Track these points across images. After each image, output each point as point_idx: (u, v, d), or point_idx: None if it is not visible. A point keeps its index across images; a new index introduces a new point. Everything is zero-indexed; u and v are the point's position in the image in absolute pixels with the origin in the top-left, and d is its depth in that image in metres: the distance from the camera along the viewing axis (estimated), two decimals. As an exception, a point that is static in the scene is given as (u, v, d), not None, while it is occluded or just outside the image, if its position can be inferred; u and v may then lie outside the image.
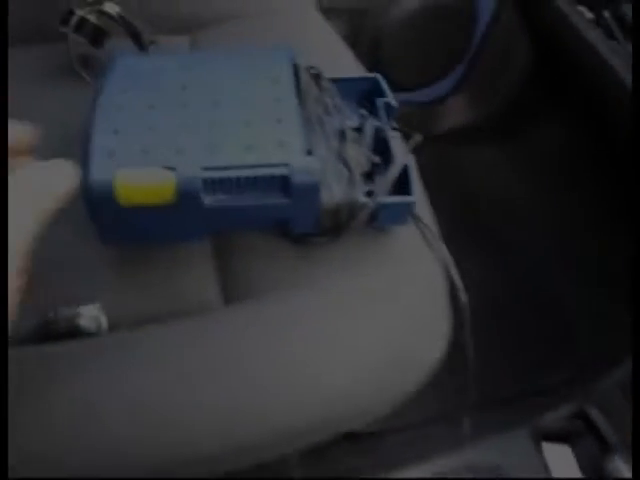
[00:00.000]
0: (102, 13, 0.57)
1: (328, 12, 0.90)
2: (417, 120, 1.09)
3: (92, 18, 0.56)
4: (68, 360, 0.38)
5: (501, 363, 0.86)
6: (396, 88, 0.49)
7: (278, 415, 0.38)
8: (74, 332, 0.40)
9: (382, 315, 0.43)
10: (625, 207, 0.91)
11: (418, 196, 0.43)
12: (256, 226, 0.43)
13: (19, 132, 0.34)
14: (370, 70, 0.61)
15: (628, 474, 0.66)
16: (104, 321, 0.41)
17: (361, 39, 0.98)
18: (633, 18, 0.82)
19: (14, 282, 0.29)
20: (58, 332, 0.40)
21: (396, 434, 0.74)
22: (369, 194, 0.42)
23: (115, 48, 0.57)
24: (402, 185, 0.43)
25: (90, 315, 0.41)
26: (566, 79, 1.01)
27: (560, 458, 0.72)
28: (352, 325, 0.42)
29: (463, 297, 0.48)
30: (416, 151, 0.48)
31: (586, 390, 0.76)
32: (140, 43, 0.55)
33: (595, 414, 0.73)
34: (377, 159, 0.43)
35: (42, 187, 0.31)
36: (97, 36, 0.57)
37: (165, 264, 0.44)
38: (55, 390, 0.37)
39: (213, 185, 0.37)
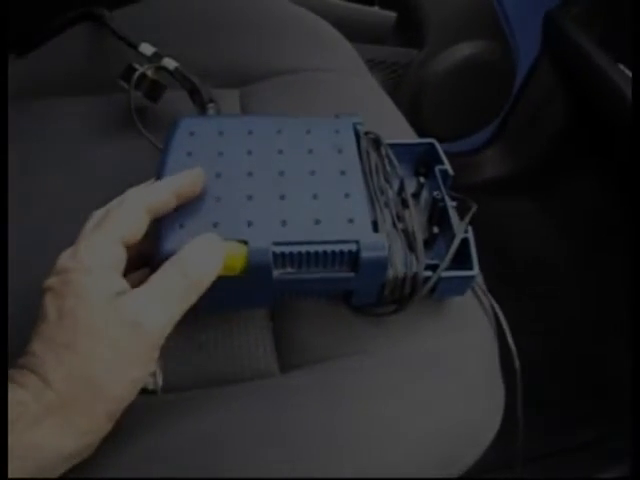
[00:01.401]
0: (160, 68, 0.58)
1: (371, 66, 0.92)
2: (453, 171, 1.08)
3: (150, 73, 0.58)
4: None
5: (546, 420, 0.84)
6: (435, 139, 0.49)
7: None
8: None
9: (439, 385, 0.43)
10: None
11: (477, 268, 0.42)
12: (319, 295, 0.43)
13: (192, 178, 0.38)
14: (410, 122, 0.62)
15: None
16: (161, 380, 0.41)
17: (401, 91, 1.00)
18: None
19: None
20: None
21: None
22: (430, 267, 0.42)
23: (169, 102, 0.59)
24: (461, 256, 0.43)
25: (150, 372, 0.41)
26: (602, 135, 1.01)
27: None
28: (408, 395, 0.41)
29: (517, 363, 0.48)
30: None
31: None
32: (199, 99, 0.55)
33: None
34: (436, 229, 0.44)
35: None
36: (154, 90, 0.58)
37: (222, 328, 0.44)
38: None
39: (283, 259, 0.37)
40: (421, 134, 0.49)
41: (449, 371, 0.43)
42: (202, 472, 0.37)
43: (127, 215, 0.35)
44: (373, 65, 0.95)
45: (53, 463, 0.30)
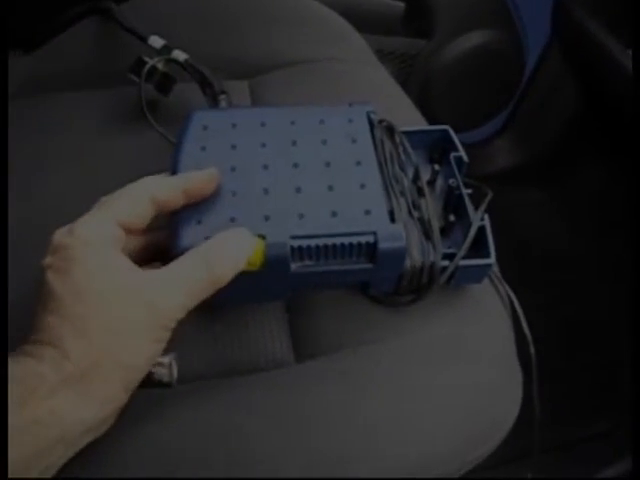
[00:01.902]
0: (170, 61, 0.58)
1: (380, 56, 0.92)
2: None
3: (161, 66, 0.57)
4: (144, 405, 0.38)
5: (559, 410, 0.84)
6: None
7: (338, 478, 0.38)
8: (149, 380, 0.40)
9: (457, 374, 0.42)
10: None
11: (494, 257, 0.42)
12: (337, 287, 0.43)
13: (205, 177, 0.37)
14: (420, 113, 0.61)
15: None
16: (175, 372, 0.41)
17: (411, 82, 0.99)
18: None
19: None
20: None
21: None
22: (447, 256, 0.41)
23: (180, 94, 0.59)
24: (477, 244, 0.42)
25: (165, 365, 0.40)
26: (613, 121, 1.00)
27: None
28: (425, 385, 0.41)
29: (532, 350, 0.47)
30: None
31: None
32: (211, 91, 0.55)
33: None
34: (453, 217, 0.43)
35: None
36: (165, 83, 0.58)
37: (238, 319, 0.44)
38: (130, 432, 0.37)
39: (300, 252, 0.37)
40: (431, 124, 0.48)
41: (467, 360, 0.43)
42: (221, 462, 0.37)
43: (129, 200, 0.35)
44: (382, 56, 0.94)
45: (75, 433, 0.31)
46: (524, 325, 0.47)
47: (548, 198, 1.10)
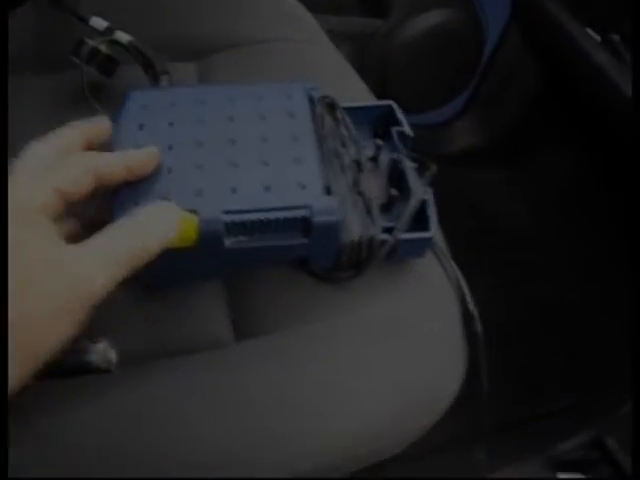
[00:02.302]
0: (113, 42, 0.57)
1: (332, 37, 0.91)
2: (424, 143, 1.09)
3: (103, 48, 0.56)
4: (79, 394, 0.38)
5: (514, 387, 0.85)
6: (403, 111, 0.48)
7: (283, 457, 0.38)
8: (84, 368, 0.39)
9: (398, 350, 0.42)
10: (633, 228, 0.91)
11: (435, 229, 0.42)
12: (275, 263, 0.43)
13: (97, 127, 0.38)
14: (377, 94, 0.61)
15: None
16: (114, 356, 0.40)
17: (367, 63, 0.98)
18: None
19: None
20: (68, 368, 0.39)
21: (410, 463, 0.73)
22: (388, 230, 0.41)
23: (124, 76, 0.57)
24: (419, 218, 0.42)
25: (100, 351, 0.40)
26: (573, 101, 1.01)
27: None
28: (366, 361, 0.41)
29: (478, 327, 0.47)
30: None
31: (602, 418, 0.75)
32: (153, 72, 0.54)
33: (611, 444, 0.72)
34: (395, 192, 0.43)
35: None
36: (108, 65, 0.57)
37: (175, 299, 0.43)
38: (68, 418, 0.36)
39: (234, 227, 0.36)
40: None
41: (407, 336, 0.43)
42: (161, 444, 0.36)
43: (70, 167, 0.34)
44: (335, 36, 0.92)
45: None
46: (469, 302, 0.47)
47: (510, 178, 1.10)
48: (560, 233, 1.02)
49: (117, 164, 0.36)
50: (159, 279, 0.41)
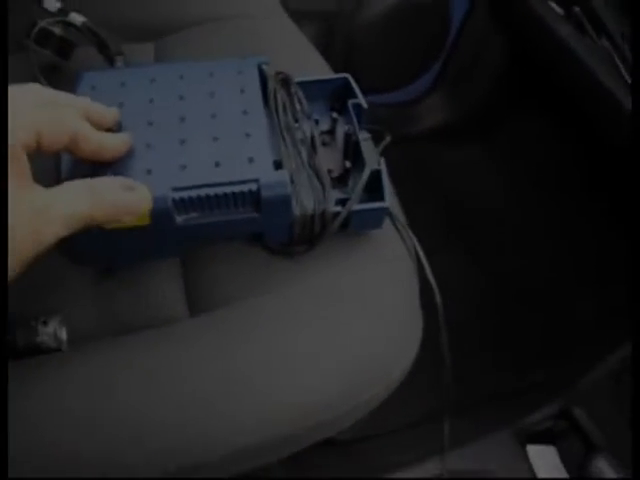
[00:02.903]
0: (67, 24, 0.56)
1: (298, 16, 0.90)
2: (395, 121, 1.09)
3: (57, 30, 0.55)
4: (28, 375, 0.38)
5: (483, 363, 0.86)
6: (372, 90, 0.48)
7: (229, 431, 0.38)
8: (34, 349, 0.40)
9: (351, 320, 0.43)
10: (603, 201, 0.92)
11: (391, 199, 0.42)
12: (230, 239, 0.43)
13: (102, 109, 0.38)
14: (345, 72, 0.61)
15: (610, 474, 0.66)
16: (64, 335, 0.40)
17: (333, 42, 0.98)
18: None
19: None
20: (18, 350, 0.40)
21: (379, 439, 0.74)
22: (341, 202, 0.41)
23: (82, 59, 0.57)
24: (376, 189, 0.42)
25: (49, 331, 0.40)
26: (540, 74, 1.01)
27: (545, 459, 0.72)
28: (315, 332, 0.41)
29: (437, 298, 0.48)
30: (395, 151, 0.48)
31: (569, 389, 0.76)
32: (107, 54, 0.54)
33: (579, 413, 0.73)
34: (349, 164, 0.43)
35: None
36: (63, 47, 0.56)
37: (131, 277, 0.43)
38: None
39: (184, 204, 0.37)
40: (357, 84, 0.48)
41: (357, 305, 0.43)
42: (88, 417, 0.36)
43: (56, 121, 0.34)
44: (301, 16, 0.92)
45: None
46: (428, 273, 0.47)
47: (482, 153, 1.11)
48: (532, 206, 1.03)
49: (92, 139, 0.36)
50: (114, 260, 0.41)
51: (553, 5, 0.92)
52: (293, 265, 0.43)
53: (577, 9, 0.88)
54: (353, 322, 0.42)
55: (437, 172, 1.10)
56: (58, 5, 0.57)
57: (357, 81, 0.49)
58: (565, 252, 0.97)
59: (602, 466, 0.67)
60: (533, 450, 0.72)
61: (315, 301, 0.42)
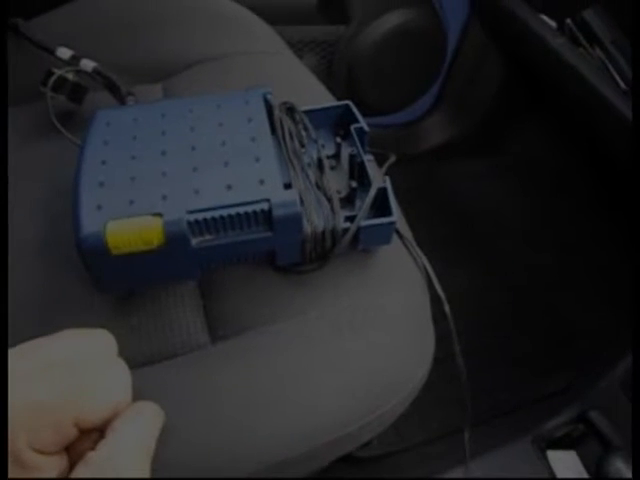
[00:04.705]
0: (79, 71, 0.59)
1: (300, 45, 0.93)
2: (398, 141, 1.11)
3: (70, 76, 0.58)
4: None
5: (498, 373, 0.86)
6: (374, 112, 0.50)
7: (259, 451, 0.39)
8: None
9: (366, 339, 0.44)
10: (608, 211, 0.93)
11: (397, 215, 0.44)
12: (243, 260, 0.45)
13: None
14: (348, 98, 0.63)
15: (629, 474, 0.66)
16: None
17: (335, 70, 1.00)
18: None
19: None
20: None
21: (398, 456, 0.74)
22: (350, 219, 0.43)
23: (94, 102, 0.59)
24: (382, 206, 0.44)
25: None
26: (537, 88, 1.03)
27: (566, 464, 0.72)
28: (334, 352, 0.43)
29: (447, 309, 0.49)
30: (401, 171, 0.49)
31: (585, 393, 0.76)
32: (119, 95, 0.56)
33: (596, 416, 0.74)
34: (354, 184, 0.45)
35: None
36: (76, 92, 0.59)
37: (152, 308, 0.45)
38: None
39: (199, 226, 0.38)
40: (361, 109, 0.50)
41: (373, 324, 0.45)
42: None
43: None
44: (304, 46, 0.95)
45: None
46: (437, 287, 0.48)
47: (486, 169, 1.12)
48: (540, 218, 1.04)
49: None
50: (137, 283, 0.43)
51: (545, 18, 0.94)
52: (305, 289, 0.45)
53: (569, 21, 0.90)
54: (366, 342, 0.44)
55: (441, 188, 1.11)
56: (70, 53, 0.60)
57: (361, 105, 0.51)
58: (577, 262, 0.98)
59: (620, 466, 0.67)
60: (554, 456, 0.72)
61: (330, 324, 0.44)
